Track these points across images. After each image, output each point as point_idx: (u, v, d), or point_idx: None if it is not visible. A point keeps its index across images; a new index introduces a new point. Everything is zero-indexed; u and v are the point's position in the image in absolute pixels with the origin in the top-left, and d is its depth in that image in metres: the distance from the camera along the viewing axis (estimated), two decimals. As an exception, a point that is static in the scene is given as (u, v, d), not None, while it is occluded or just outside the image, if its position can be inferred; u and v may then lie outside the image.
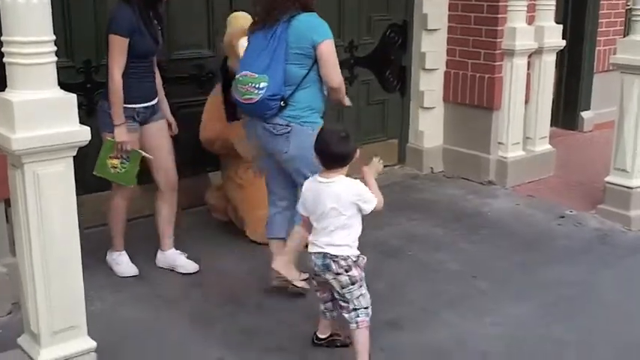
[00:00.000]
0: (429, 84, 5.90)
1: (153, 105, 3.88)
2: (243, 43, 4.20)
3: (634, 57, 4.74)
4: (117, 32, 3.60)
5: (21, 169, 2.59)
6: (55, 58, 2.62)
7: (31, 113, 2.53)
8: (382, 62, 5.84)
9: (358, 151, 3.07)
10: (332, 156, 3.03)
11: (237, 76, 3.57)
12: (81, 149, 2.73)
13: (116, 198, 3.95)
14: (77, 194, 2.80)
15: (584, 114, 7.31)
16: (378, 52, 5.81)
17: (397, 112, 6.02)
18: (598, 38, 7.26)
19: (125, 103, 3.68)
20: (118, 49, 3.60)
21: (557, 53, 5.95)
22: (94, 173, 3.77)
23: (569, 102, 7.30)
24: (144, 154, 3.82)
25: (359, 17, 5.63)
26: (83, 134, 2.66)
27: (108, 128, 3.70)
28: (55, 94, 2.61)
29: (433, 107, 5.97)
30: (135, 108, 3.76)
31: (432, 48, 5.83)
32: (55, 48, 2.63)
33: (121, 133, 3.67)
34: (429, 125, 6.00)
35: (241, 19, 4.33)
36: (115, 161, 3.73)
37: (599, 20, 7.21)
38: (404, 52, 5.92)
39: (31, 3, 2.50)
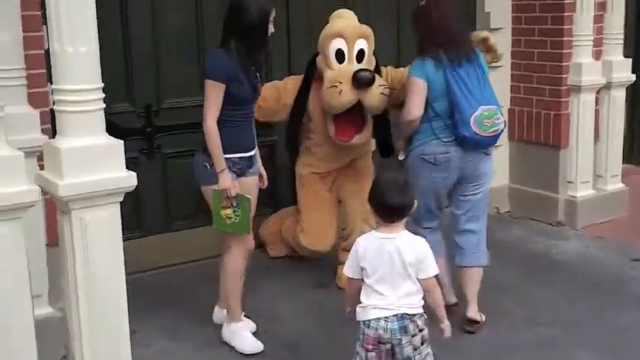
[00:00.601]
0: (493, 122, 5.76)
1: (250, 156, 3.64)
2: (334, 45, 4.09)
3: None
4: (213, 77, 3.41)
5: (68, 215, 2.62)
6: (103, 105, 2.68)
7: (78, 160, 2.57)
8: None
9: (415, 201, 2.85)
10: (391, 208, 2.77)
11: (475, 114, 3.60)
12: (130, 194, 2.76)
13: (234, 257, 3.64)
14: (130, 238, 2.81)
15: (661, 150, 7.02)
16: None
17: (461, 151, 5.90)
18: (673, 71, 6.99)
19: None
20: (214, 95, 3.40)
21: (628, 88, 5.75)
22: (214, 227, 3.60)
23: (643, 137, 7.03)
24: (249, 196, 3.55)
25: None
26: (130, 180, 2.68)
27: (205, 181, 3.53)
28: (102, 141, 2.65)
29: (498, 145, 5.80)
30: (230, 158, 3.49)
31: (495, 85, 5.66)
32: (103, 95, 2.67)
33: (224, 180, 3.44)
34: (494, 164, 5.79)
35: (342, 21, 4.20)
36: (228, 211, 3.51)
37: (673, 52, 6.94)
38: (467, 90, 5.80)
39: (80, 51, 2.56)
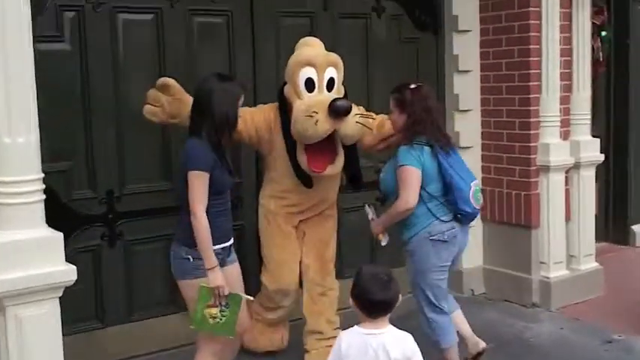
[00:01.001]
0: (465, 203, 5.72)
1: (230, 245, 3.49)
2: (304, 74, 3.95)
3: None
4: (198, 168, 3.25)
5: (3, 312, 2.50)
6: (43, 197, 2.60)
7: (13, 254, 2.49)
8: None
9: (400, 296, 2.73)
10: (375, 304, 2.66)
11: (472, 191, 3.84)
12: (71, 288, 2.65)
13: (206, 357, 3.42)
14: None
15: (636, 228, 6.95)
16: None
17: (434, 233, 5.83)
18: (644, 148, 7.03)
19: None
20: (199, 185, 3.24)
21: (601, 165, 5.75)
22: (192, 328, 3.34)
23: (618, 215, 6.98)
24: (244, 296, 3.38)
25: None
26: (69, 274, 2.58)
27: (185, 275, 3.32)
28: (41, 234, 2.57)
29: (471, 226, 5.74)
30: (215, 250, 3.31)
31: (465, 165, 5.70)
32: (43, 186, 2.60)
33: (216, 277, 3.22)
34: (468, 245, 5.74)
35: (310, 49, 4.07)
36: (214, 310, 3.25)
37: (644, 129, 6.99)
38: (437, 172, 5.78)
39: (17, 142, 2.50)
